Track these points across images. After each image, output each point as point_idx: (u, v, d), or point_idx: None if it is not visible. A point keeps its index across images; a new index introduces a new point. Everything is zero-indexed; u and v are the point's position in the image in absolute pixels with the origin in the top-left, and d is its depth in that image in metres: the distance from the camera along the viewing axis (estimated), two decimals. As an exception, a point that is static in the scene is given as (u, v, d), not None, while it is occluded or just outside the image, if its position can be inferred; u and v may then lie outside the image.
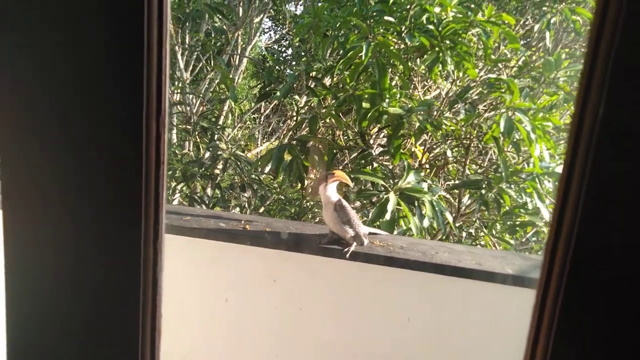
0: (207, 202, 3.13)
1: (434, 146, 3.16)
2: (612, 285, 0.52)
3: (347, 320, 1.98)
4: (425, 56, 2.86)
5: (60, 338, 0.68)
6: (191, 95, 4.42)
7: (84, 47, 0.56)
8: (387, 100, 2.56)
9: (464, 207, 2.95)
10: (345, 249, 1.87)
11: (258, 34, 6.05)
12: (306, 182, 2.66)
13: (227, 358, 2.07)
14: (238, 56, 5.13)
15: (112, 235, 0.66)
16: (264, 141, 6.03)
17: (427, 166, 3.37)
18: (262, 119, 6.16)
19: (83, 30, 0.56)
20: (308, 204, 3.02)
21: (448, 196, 3.03)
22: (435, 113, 2.72)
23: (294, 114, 3.67)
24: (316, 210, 2.99)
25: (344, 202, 1.88)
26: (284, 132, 5.54)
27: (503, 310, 1.88)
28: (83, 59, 0.57)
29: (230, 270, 2.00)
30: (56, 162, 0.62)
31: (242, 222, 2.07)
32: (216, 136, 3.49)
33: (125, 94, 0.59)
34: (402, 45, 2.95)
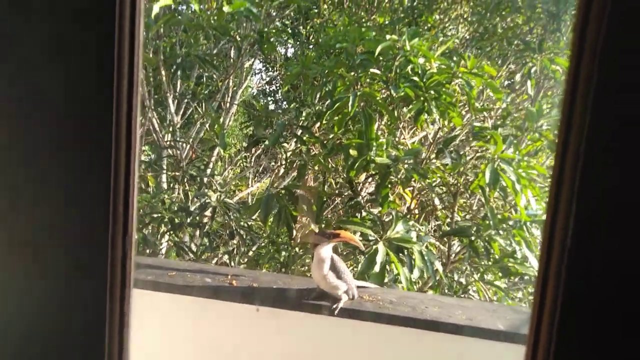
0: (194, 251, 3.09)
1: (422, 192, 3.18)
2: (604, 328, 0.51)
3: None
4: (410, 106, 2.92)
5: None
6: (181, 140, 4.45)
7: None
8: (374, 149, 2.60)
9: (453, 255, 2.95)
10: (334, 306, 1.84)
11: (249, 77, 6.16)
12: (294, 232, 2.64)
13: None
14: (229, 100, 5.20)
15: (77, 290, 0.64)
16: (255, 180, 6.03)
17: (416, 211, 3.39)
18: (253, 159, 6.19)
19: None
20: (299, 250, 3.00)
21: (437, 243, 3.02)
22: (421, 161, 2.75)
23: (283, 161, 3.69)
24: (306, 259, 2.96)
25: (337, 259, 1.86)
26: (276, 171, 5.55)
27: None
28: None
29: (217, 328, 1.95)
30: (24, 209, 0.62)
31: (229, 277, 2.03)
32: (205, 183, 3.49)
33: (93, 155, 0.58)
34: (388, 95, 3.02)
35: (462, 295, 2.89)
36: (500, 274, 3.01)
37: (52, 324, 0.65)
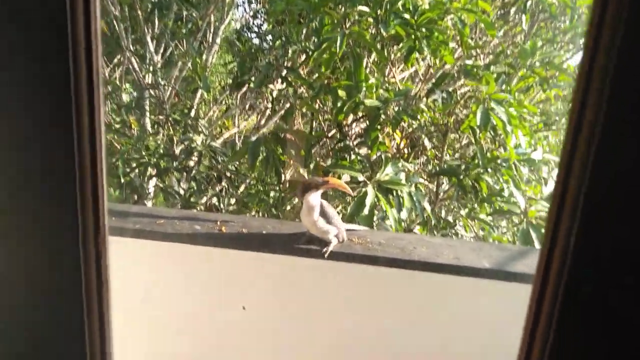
0: (182, 195, 3.07)
1: (412, 132, 3.15)
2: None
3: (326, 320, 1.98)
4: (401, 44, 2.81)
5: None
6: (163, 81, 4.28)
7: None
8: (363, 91, 2.52)
9: (442, 193, 2.98)
10: (324, 249, 1.86)
11: (232, 10, 5.85)
12: (283, 177, 2.62)
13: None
14: (211, 37, 4.97)
15: (48, 234, 0.63)
16: (242, 119, 5.91)
17: (406, 150, 3.37)
18: (238, 98, 6.03)
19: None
20: (288, 193, 2.99)
21: (426, 182, 3.04)
22: (411, 101, 2.69)
23: (269, 103, 3.59)
24: (295, 200, 2.96)
25: (327, 205, 1.86)
26: (263, 110, 5.43)
27: (481, 305, 1.91)
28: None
29: (208, 275, 1.97)
30: None
31: (218, 223, 2.03)
32: (189, 127, 3.40)
33: (53, 92, 0.54)
34: (378, 33, 2.89)
35: (449, 233, 2.95)
36: (487, 207, 3.06)
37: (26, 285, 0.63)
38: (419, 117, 2.65)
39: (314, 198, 1.84)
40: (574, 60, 4.39)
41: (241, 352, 2.04)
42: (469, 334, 1.93)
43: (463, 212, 3.05)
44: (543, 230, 2.35)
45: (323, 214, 1.85)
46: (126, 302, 1.98)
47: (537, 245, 2.27)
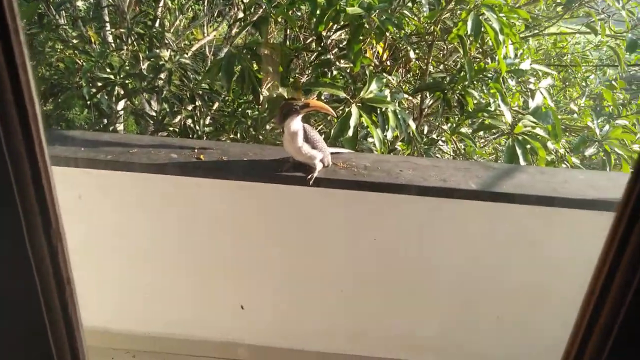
0: (154, 117, 2.90)
1: (396, 42, 2.95)
2: None
3: (314, 248, 1.98)
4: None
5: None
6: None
7: None
8: (344, -3, 2.29)
9: (426, 109, 2.88)
10: (309, 176, 1.79)
11: None
12: (261, 95, 2.46)
13: (194, 296, 2.08)
14: None
15: None
16: (211, 28, 5.50)
17: (388, 62, 3.19)
18: (206, 3, 5.55)
19: None
20: (265, 113, 2.84)
21: (410, 98, 2.92)
22: (396, 8, 2.47)
23: (240, 12, 3.27)
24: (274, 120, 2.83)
25: (308, 128, 1.76)
26: (233, 16, 5.03)
27: (468, 227, 1.93)
28: None
29: (188, 206, 1.91)
30: None
31: (196, 150, 1.92)
32: (155, 37, 3.11)
33: None
34: None
35: (432, 151, 2.91)
36: (469, 131, 3.00)
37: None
38: (404, 25, 2.45)
39: (296, 123, 1.73)
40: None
41: (228, 284, 2.05)
42: (458, 258, 1.97)
43: (446, 126, 2.99)
44: (528, 146, 2.33)
45: (306, 138, 1.76)
46: (99, 241, 1.93)
47: (522, 162, 2.25)
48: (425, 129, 3.23)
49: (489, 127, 2.56)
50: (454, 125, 2.92)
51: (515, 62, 2.61)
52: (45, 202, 0.47)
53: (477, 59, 2.80)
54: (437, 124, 2.95)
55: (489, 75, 2.58)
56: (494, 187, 1.85)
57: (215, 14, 5.75)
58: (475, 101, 2.58)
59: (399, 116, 2.31)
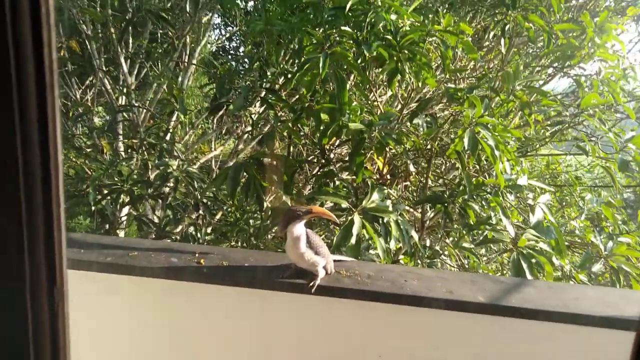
0: (157, 223, 2.91)
1: (396, 158, 3.08)
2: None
3: (315, 358, 1.85)
4: (384, 66, 2.77)
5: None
6: (137, 103, 4.14)
7: None
8: (347, 114, 2.45)
9: (427, 221, 2.90)
10: (311, 283, 1.73)
11: (207, 32, 5.77)
12: (265, 204, 2.50)
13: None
14: (187, 57, 4.86)
15: None
16: (219, 144, 5.78)
17: (388, 176, 3.30)
18: (215, 121, 5.91)
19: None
20: (269, 221, 2.86)
21: (411, 210, 2.96)
22: (395, 126, 2.63)
23: (248, 124, 3.48)
24: (276, 228, 2.84)
25: (312, 235, 1.74)
26: (240, 134, 5.32)
27: (476, 341, 1.81)
28: None
29: (185, 311, 1.82)
30: None
31: (197, 255, 1.89)
32: (166, 149, 3.26)
33: None
34: (359, 55, 2.85)
35: (435, 263, 2.86)
36: (473, 235, 2.98)
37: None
38: (404, 141, 2.58)
39: (298, 228, 1.72)
40: (550, 85, 4.47)
41: None
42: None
43: (448, 240, 2.98)
44: (534, 260, 2.30)
45: (309, 244, 1.74)
46: (97, 344, 1.81)
47: (529, 276, 2.20)
48: (428, 242, 3.22)
49: (492, 240, 2.54)
50: (456, 238, 2.91)
51: (512, 178, 2.69)
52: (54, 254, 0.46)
53: (475, 175, 2.89)
54: (439, 236, 2.94)
55: (488, 190, 2.64)
56: (502, 301, 1.78)
57: (224, 132, 6.10)
58: (476, 215, 2.60)
59: (402, 227, 2.31)
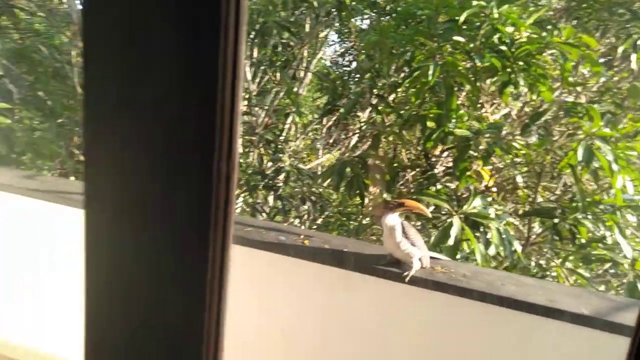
0: (268, 212, 3.18)
1: (503, 169, 3.02)
2: None
3: (401, 345, 1.91)
4: (495, 77, 2.75)
5: (132, 332, 0.71)
6: (257, 107, 4.55)
7: (161, 69, 0.58)
8: (453, 121, 2.48)
9: (534, 236, 2.78)
10: (405, 273, 1.81)
11: (323, 47, 6.13)
12: (366, 200, 2.62)
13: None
14: (304, 69, 5.23)
15: (183, 241, 0.67)
16: (325, 152, 6.07)
17: (495, 189, 3.23)
18: (324, 131, 6.22)
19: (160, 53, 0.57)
20: (367, 220, 2.98)
21: (517, 223, 2.87)
22: (505, 136, 2.59)
23: (357, 130, 3.65)
24: (375, 228, 2.94)
25: (406, 225, 1.83)
26: (346, 145, 5.55)
27: (571, 351, 1.74)
28: (161, 79, 0.58)
29: (286, 284, 2.00)
30: (138, 173, 0.65)
31: (301, 236, 2.07)
32: (279, 148, 3.56)
33: (198, 113, 0.60)
34: (471, 65, 2.86)
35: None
36: (581, 263, 2.80)
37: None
38: (512, 152, 2.53)
39: (393, 218, 1.81)
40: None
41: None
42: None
43: (557, 261, 2.82)
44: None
45: (406, 234, 1.82)
46: None
47: (645, 299, 2.03)
48: (533, 261, 3.08)
49: (606, 260, 2.37)
50: (564, 258, 2.75)
51: (635, 199, 2.49)
52: (227, 227, 0.62)
53: (591, 193, 2.72)
54: (544, 253, 2.80)
55: (604, 208, 2.48)
56: (610, 317, 1.69)
57: (331, 141, 6.39)
58: (588, 233, 2.45)
59: (504, 236, 2.28)
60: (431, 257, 1.95)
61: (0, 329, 2.55)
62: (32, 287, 2.45)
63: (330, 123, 6.17)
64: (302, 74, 5.37)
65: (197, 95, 0.59)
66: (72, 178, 4.54)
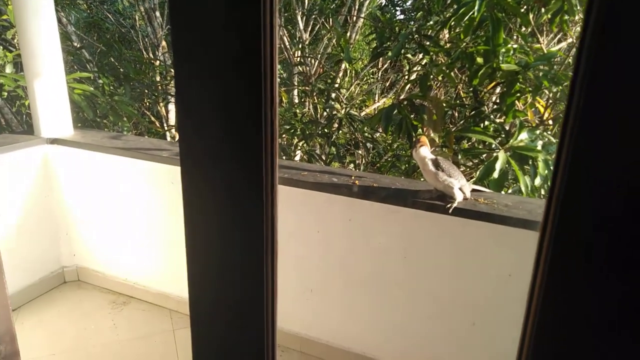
0: (324, 159, 3.39)
1: (558, 101, 2.97)
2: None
3: (447, 271, 2.10)
4: (549, 5, 2.67)
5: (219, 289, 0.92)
6: (310, 57, 4.67)
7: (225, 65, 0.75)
8: (502, 56, 2.49)
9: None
10: (448, 205, 1.96)
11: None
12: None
13: (332, 299, 2.35)
14: (355, 13, 5.21)
15: (241, 187, 0.86)
16: (382, 97, 6.11)
17: (551, 122, 3.19)
18: (379, 75, 6.22)
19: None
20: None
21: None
22: (556, 67, 2.56)
23: (405, 73, 3.68)
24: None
25: (440, 159, 1.97)
26: (401, 86, 5.56)
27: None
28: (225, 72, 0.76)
29: (338, 220, 2.23)
30: (215, 140, 0.84)
31: (352, 177, 2.27)
32: (333, 96, 3.70)
33: (251, 90, 0.77)
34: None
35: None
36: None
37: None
38: (563, 82, 2.50)
39: (422, 152, 1.97)
40: None
41: (361, 290, 2.27)
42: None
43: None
44: None
45: (439, 166, 1.96)
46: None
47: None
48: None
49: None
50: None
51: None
52: (274, 173, 0.80)
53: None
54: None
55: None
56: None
57: (387, 85, 6.39)
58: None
59: (552, 167, 2.33)
60: (475, 190, 2.08)
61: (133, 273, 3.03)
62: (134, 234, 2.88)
63: (385, 65, 6.16)
64: (354, 18, 5.36)
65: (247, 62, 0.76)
66: (146, 136, 5.00)
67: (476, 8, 2.46)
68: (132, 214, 2.81)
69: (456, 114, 3.08)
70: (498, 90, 3.04)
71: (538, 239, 0.58)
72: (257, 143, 0.77)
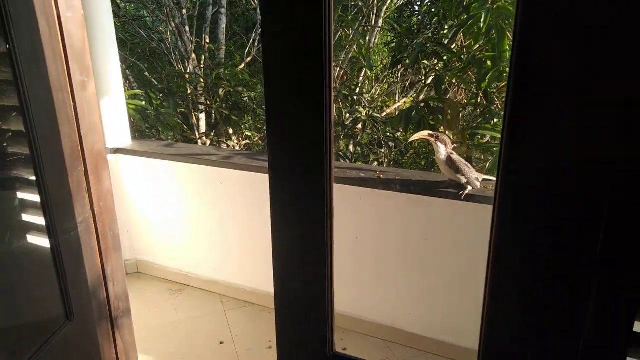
0: (350, 158, 3.74)
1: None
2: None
3: (463, 249, 2.43)
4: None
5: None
6: (335, 65, 5.03)
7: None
8: (507, 61, 2.80)
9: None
10: (461, 192, 2.30)
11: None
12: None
13: (365, 277, 2.70)
14: (374, 17, 5.56)
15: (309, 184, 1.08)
16: (402, 96, 6.41)
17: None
18: (399, 76, 6.53)
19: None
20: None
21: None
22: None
23: (422, 77, 4.00)
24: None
25: (454, 156, 2.30)
26: (420, 88, 5.86)
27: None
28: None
29: (366, 209, 2.58)
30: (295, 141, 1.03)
31: (377, 172, 2.62)
32: (355, 100, 4.05)
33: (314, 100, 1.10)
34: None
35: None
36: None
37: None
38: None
39: (439, 147, 2.30)
40: None
41: (383, 271, 2.62)
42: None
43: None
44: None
45: (452, 162, 2.28)
46: None
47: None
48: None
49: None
50: None
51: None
52: (331, 170, 1.09)
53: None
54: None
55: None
56: None
57: (407, 85, 6.69)
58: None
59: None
60: (485, 180, 2.41)
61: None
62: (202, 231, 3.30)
63: (404, 69, 6.46)
64: (372, 22, 5.69)
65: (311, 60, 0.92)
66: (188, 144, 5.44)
67: (482, 19, 2.77)
68: (185, 212, 3.23)
69: (471, 112, 3.39)
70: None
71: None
72: (320, 157, 0.96)
